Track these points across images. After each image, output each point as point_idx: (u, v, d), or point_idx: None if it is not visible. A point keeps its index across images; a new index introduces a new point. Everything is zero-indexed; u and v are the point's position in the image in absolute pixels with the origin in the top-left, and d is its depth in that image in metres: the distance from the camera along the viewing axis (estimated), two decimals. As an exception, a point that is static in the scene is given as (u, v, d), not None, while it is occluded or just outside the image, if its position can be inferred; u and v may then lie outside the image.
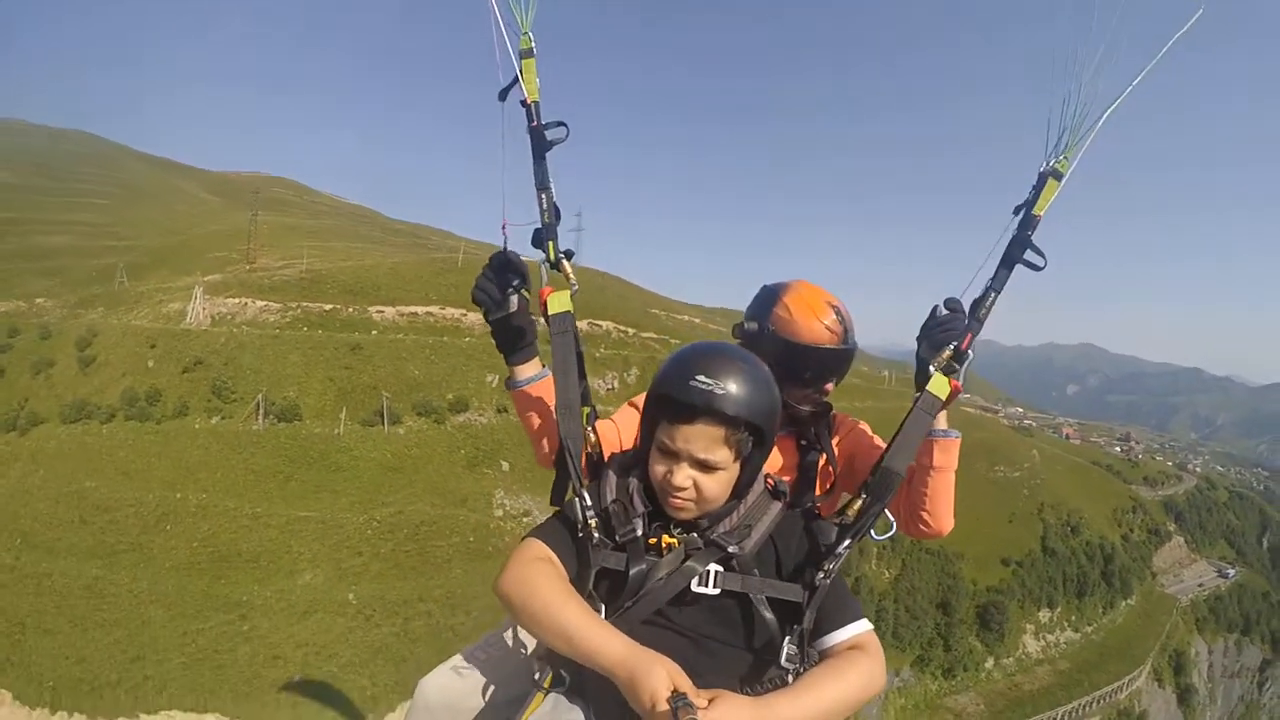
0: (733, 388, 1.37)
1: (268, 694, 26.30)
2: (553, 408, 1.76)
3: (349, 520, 32.96)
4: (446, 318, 46.73)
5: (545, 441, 1.92)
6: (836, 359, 2.09)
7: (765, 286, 2.23)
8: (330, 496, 33.99)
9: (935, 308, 1.79)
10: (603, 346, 50.95)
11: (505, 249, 1.76)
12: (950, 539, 50.34)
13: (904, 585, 46.16)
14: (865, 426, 2.19)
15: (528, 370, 1.88)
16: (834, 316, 2.10)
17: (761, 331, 2.10)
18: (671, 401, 1.40)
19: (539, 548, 1.49)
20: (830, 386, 2.15)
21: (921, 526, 1.97)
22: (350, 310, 45.83)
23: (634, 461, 1.60)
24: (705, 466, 1.42)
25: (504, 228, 1.72)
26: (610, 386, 48.47)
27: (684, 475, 1.42)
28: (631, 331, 55.73)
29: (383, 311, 46.53)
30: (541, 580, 1.41)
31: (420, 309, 47.01)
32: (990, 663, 47.26)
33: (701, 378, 1.37)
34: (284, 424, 36.79)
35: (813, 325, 2.06)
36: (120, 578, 30.40)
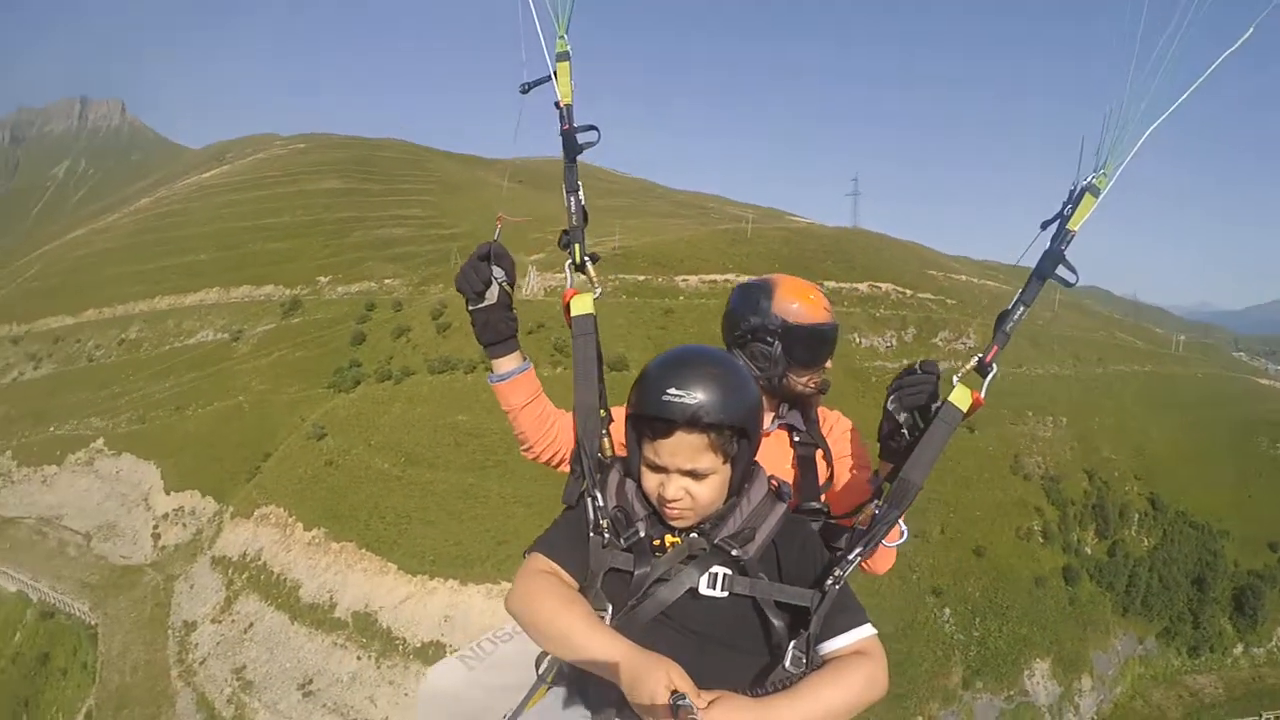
0: (705, 395, 1.35)
1: (597, 574, 33.24)
2: (531, 402, 1.89)
3: (670, 452, 39.21)
4: (742, 284, 52.49)
5: (528, 437, 1.93)
6: (836, 334, 2.20)
7: (749, 284, 2.28)
8: (654, 433, 40.50)
9: (911, 366, 1.69)
10: (882, 307, 53.46)
11: (496, 240, 1.74)
12: (1217, 515, 48.58)
13: (1161, 555, 44.28)
14: (849, 423, 2.20)
15: (507, 364, 1.84)
16: (825, 298, 2.21)
17: (769, 324, 2.13)
18: (648, 419, 1.40)
19: (541, 561, 1.50)
20: (830, 364, 2.21)
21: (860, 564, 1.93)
22: (659, 280, 52.37)
23: (631, 466, 1.57)
24: (694, 475, 1.41)
25: (498, 220, 1.78)
26: (889, 345, 51.39)
27: (675, 487, 1.41)
28: (909, 293, 57.19)
29: (687, 280, 52.34)
30: (543, 594, 1.42)
31: (719, 277, 51.99)
32: (1239, 649, 43.89)
33: (672, 390, 1.35)
34: (614, 372, 40.34)
35: (816, 308, 2.15)
36: (490, 485, 37.51)
